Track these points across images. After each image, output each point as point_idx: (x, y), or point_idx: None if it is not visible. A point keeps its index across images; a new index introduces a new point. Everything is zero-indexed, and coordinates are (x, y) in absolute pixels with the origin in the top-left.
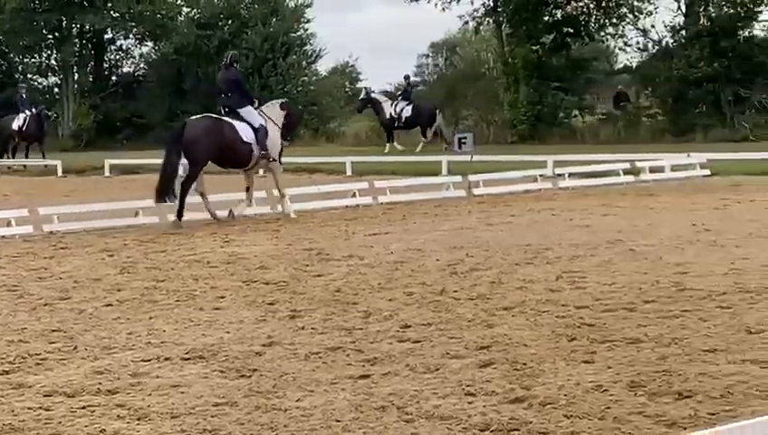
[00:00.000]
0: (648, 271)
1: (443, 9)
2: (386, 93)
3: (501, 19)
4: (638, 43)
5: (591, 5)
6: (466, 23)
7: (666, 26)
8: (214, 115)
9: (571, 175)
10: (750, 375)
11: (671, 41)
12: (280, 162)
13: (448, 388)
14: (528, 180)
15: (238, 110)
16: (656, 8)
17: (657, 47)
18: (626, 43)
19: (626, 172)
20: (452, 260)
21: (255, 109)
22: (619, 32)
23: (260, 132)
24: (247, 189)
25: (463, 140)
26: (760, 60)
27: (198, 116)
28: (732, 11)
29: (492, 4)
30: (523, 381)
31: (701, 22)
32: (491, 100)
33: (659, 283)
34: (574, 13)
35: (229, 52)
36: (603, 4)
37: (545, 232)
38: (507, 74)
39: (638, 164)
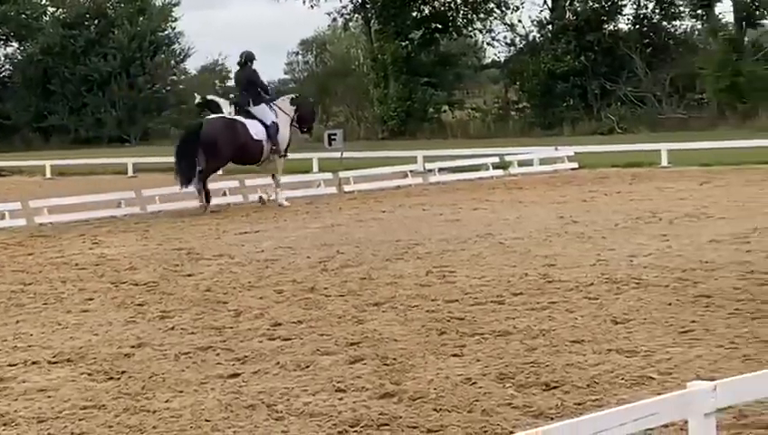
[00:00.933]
0: (516, 264)
1: (311, 6)
2: (223, 96)
3: (369, 15)
4: (505, 37)
5: (459, 1)
6: (335, 19)
7: (532, 21)
8: (227, 115)
9: (441, 170)
10: (615, 364)
11: (538, 35)
12: (286, 155)
13: (318, 385)
14: (399, 176)
15: (252, 108)
16: (522, 3)
17: (524, 42)
18: (494, 38)
19: (495, 166)
20: (322, 257)
21: (270, 103)
22: (487, 27)
23: (271, 129)
24: (273, 176)
25: (333, 137)
26: (624, 53)
27: (213, 116)
28: (596, 5)
29: (360, 1)
30: (393, 376)
31: (567, 16)
32: (361, 96)
33: (528, 275)
34: (442, 8)
35: (244, 51)
36: None
37: (416, 227)
38: (376, 71)
39: (507, 158)
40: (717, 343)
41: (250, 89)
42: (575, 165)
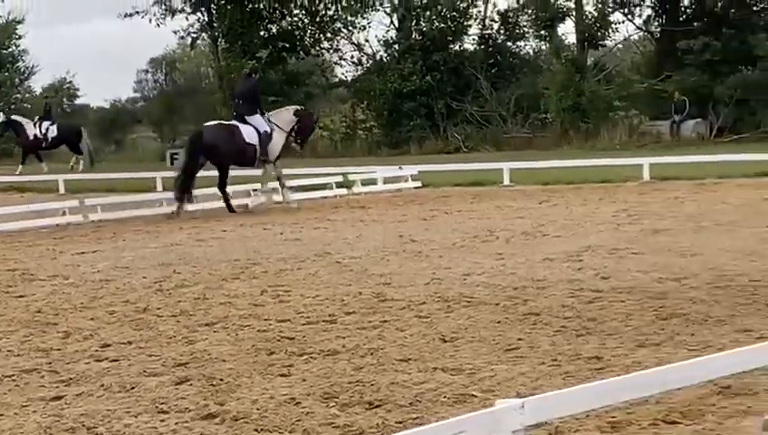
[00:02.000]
0: (352, 283)
1: (157, 25)
2: (25, 116)
3: (216, 34)
4: (352, 57)
5: (306, 20)
6: (182, 38)
7: (379, 41)
8: (224, 122)
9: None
10: (439, 382)
11: (385, 55)
12: (275, 164)
13: (141, 406)
14: (242, 195)
15: (247, 116)
16: (369, 23)
17: (371, 61)
18: (341, 58)
19: (339, 185)
20: (158, 277)
21: (267, 116)
22: (335, 46)
23: (263, 137)
24: (278, 180)
25: (175, 157)
26: (470, 73)
27: (212, 123)
28: (442, 25)
29: (207, 20)
30: (218, 396)
31: (413, 36)
32: (209, 115)
33: (362, 294)
34: (290, 28)
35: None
36: (318, 18)
37: (255, 247)
38: (224, 89)
39: (351, 177)
40: (541, 360)
41: (248, 99)
42: (419, 184)
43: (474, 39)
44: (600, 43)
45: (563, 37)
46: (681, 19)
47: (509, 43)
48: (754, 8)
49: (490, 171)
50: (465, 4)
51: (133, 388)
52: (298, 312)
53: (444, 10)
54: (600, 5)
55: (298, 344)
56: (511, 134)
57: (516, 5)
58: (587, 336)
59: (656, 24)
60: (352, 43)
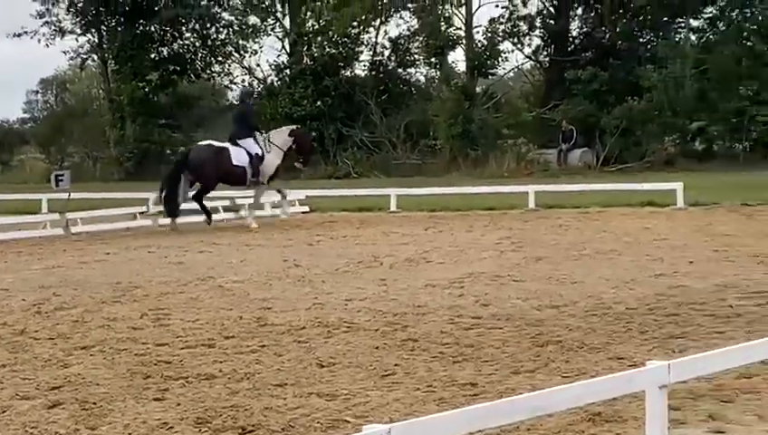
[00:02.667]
0: (233, 307)
1: (47, 45)
2: None
3: (106, 56)
4: (243, 81)
5: (197, 44)
6: (72, 58)
7: (270, 65)
8: (215, 143)
9: None
10: (313, 408)
11: (276, 79)
12: (267, 182)
13: (12, 430)
14: (128, 218)
15: (239, 139)
16: (261, 47)
17: (262, 85)
18: (232, 81)
19: (226, 209)
20: (38, 299)
21: (263, 135)
22: (226, 70)
23: (254, 159)
24: (279, 191)
25: (60, 178)
26: (361, 99)
27: (201, 143)
28: (334, 51)
29: (97, 41)
30: (90, 420)
31: (304, 61)
32: (98, 136)
33: (242, 318)
34: (181, 50)
35: (241, 88)
36: (209, 42)
37: (138, 270)
38: (113, 111)
39: (239, 201)
40: (416, 386)
41: (242, 122)
42: (306, 208)
43: (365, 65)
44: (490, 71)
45: (453, 65)
46: (569, 49)
47: (400, 70)
48: (641, 40)
49: (377, 197)
50: (356, 31)
51: (4, 411)
52: (177, 336)
53: (335, 36)
54: (489, 34)
55: (175, 368)
56: (400, 160)
57: (407, 33)
58: (463, 362)
59: (544, 53)
60: (243, 67)
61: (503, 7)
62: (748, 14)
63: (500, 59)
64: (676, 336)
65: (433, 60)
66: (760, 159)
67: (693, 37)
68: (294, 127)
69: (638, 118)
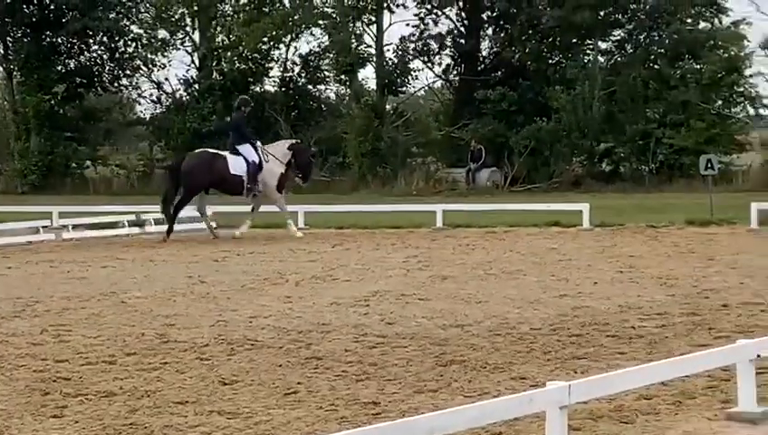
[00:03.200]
0: (135, 323)
1: None
2: None
3: (11, 67)
4: (151, 95)
5: (105, 57)
6: None
7: (179, 80)
8: (211, 150)
9: (75, 226)
10: (214, 426)
11: (185, 94)
12: (280, 192)
13: None
14: (30, 232)
15: (239, 146)
16: (170, 62)
17: (170, 99)
18: (140, 95)
19: (132, 224)
20: None
21: (258, 147)
22: (134, 83)
23: (251, 167)
24: (252, 210)
25: None
26: (270, 115)
27: (197, 150)
28: (243, 66)
29: (2, 52)
30: None
31: (214, 76)
32: (2, 149)
33: (144, 335)
34: (88, 63)
35: (238, 97)
36: (117, 55)
37: (39, 284)
38: (18, 123)
39: (144, 216)
40: (319, 404)
41: (236, 131)
42: (214, 225)
43: (275, 81)
44: (400, 89)
45: (364, 82)
46: (479, 69)
47: (310, 87)
48: (550, 61)
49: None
50: (266, 47)
51: None
52: (77, 352)
53: (245, 51)
54: (400, 53)
55: (74, 385)
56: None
57: (318, 50)
58: (366, 381)
59: (455, 72)
60: (152, 81)
61: (413, 26)
62: (656, 38)
63: (410, 77)
64: (579, 357)
65: (343, 77)
66: (665, 182)
67: (601, 59)
68: (294, 141)
69: (546, 138)
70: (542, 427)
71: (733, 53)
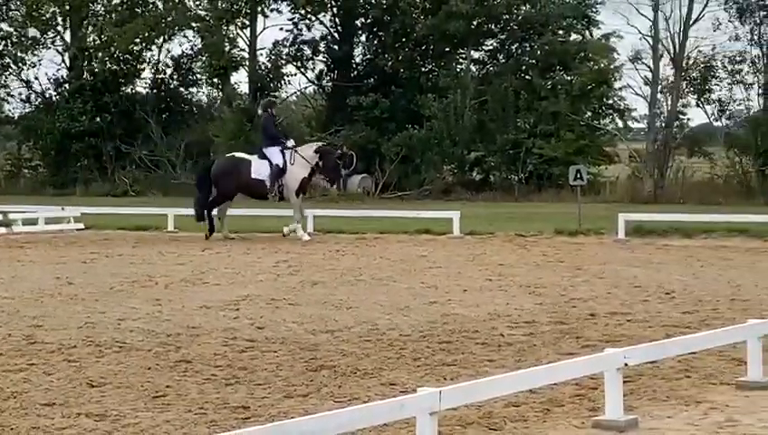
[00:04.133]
0: (2, 324)
1: None
2: None
3: None
4: (20, 93)
5: None
6: None
7: (49, 79)
8: (238, 155)
9: None
10: (82, 428)
11: (55, 93)
12: (298, 196)
13: None
14: None
15: (266, 149)
16: (40, 60)
17: (40, 99)
18: (9, 94)
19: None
20: None
21: (290, 148)
22: (2, 82)
23: (273, 170)
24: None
25: None
26: (141, 116)
27: (226, 155)
28: (115, 67)
29: None
30: None
31: (84, 76)
32: None
33: (11, 336)
34: None
35: (262, 99)
36: None
37: None
38: None
39: (11, 216)
40: (188, 408)
41: (264, 133)
42: (81, 226)
43: (146, 83)
44: (273, 94)
45: (236, 86)
46: (352, 75)
47: (182, 89)
48: (423, 69)
49: (155, 216)
50: (138, 48)
51: None
52: None
53: (117, 52)
54: (273, 57)
55: None
56: (180, 180)
57: (190, 52)
58: (236, 385)
59: (327, 78)
60: (21, 80)
61: (287, 30)
62: (527, 49)
63: (283, 82)
64: (449, 364)
65: (215, 80)
66: (535, 191)
67: (473, 68)
68: (321, 143)
69: (417, 146)
70: (411, 433)
71: (602, 65)
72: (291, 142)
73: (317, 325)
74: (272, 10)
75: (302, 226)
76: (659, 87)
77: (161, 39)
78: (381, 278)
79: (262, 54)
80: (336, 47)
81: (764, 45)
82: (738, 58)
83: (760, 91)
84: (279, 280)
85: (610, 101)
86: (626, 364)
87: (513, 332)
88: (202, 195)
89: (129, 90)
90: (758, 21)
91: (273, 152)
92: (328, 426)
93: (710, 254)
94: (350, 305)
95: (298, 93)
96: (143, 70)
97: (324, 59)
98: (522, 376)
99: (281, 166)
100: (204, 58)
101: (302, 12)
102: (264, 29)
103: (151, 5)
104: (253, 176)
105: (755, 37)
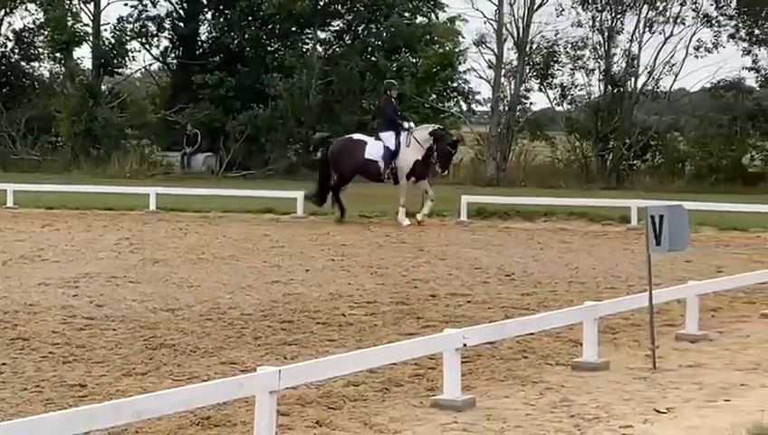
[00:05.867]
0: None
1: None
2: None
3: None
4: None
5: None
6: None
7: None
8: (356, 136)
9: None
10: None
11: None
12: (408, 179)
13: None
14: None
15: (380, 133)
16: None
17: None
18: None
19: None
20: None
21: (406, 130)
22: None
23: (385, 153)
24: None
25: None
26: None
27: (343, 137)
28: None
29: None
30: None
31: None
32: None
33: None
34: None
35: (385, 81)
36: None
37: None
38: None
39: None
40: (23, 386)
41: (381, 116)
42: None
43: None
44: (117, 70)
45: (79, 61)
46: (198, 53)
47: (23, 64)
48: (269, 48)
49: None
50: None
51: None
52: None
53: None
54: (117, 33)
55: None
56: (20, 156)
57: (32, 26)
58: (74, 363)
59: (173, 56)
60: None
61: (131, 6)
62: (374, 30)
63: (127, 58)
64: (289, 343)
65: (58, 55)
66: None
67: (320, 49)
68: (437, 127)
69: (262, 125)
70: (250, 411)
71: (448, 48)
72: (409, 124)
73: (157, 304)
74: None
75: (429, 207)
76: (503, 71)
77: (2, 12)
78: (224, 257)
79: (106, 30)
80: (181, 24)
81: (605, 32)
82: (580, 44)
83: (600, 77)
84: (120, 258)
85: (455, 85)
86: (464, 345)
87: (355, 312)
88: (323, 178)
89: None
90: (599, 8)
91: (388, 136)
92: (166, 404)
93: (550, 236)
94: (192, 284)
95: (142, 70)
96: None
97: (169, 36)
98: (361, 356)
99: (392, 149)
100: (46, 32)
101: None
102: (109, 4)
103: None
104: (366, 156)
105: (597, 24)
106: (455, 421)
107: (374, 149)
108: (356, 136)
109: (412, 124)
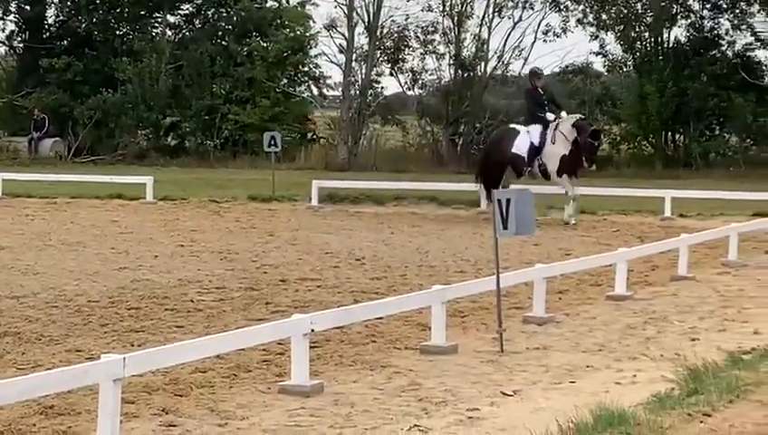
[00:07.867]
0: None
1: None
2: None
3: None
4: None
5: None
6: None
7: None
8: (514, 126)
9: None
10: None
11: None
12: (560, 175)
13: None
14: None
15: (529, 125)
16: None
17: None
18: None
19: None
20: None
21: (553, 124)
22: None
23: (531, 148)
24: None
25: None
26: None
27: (505, 127)
28: None
29: None
30: None
31: None
32: None
33: None
34: None
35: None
36: None
37: None
38: None
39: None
40: None
41: (526, 109)
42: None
43: None
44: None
45: None
46: (45, 37)
47: None
48: (118, 32)
49: None
50: None
51: None
52: None
53: None
54: None
55: None
56: None
57: None
58: None
59: (18, 39)
60: None
61: None
62: (224, 14)
63: None
64: (137, 330)
65: None
66: (230, 157)
67: (169, 33)
68: (579, 116)
69: (111, 110)
70: (96, 400)
71: (298, 32)
72: (550, 116)
73: (1, 291)
74: None
75: (574, 208)
76: (354, 55)
77: None
78: (71, 243)
79: None
80: (27, 7)
81: (455, 16)
82: (431, 28)
83: (451, 62)
84: None
85: (306, 69)
86: (312, 330)
87: (204, 297)
88: (486, 175)
89: None
90: None
91: (534, 130)
92: (8, 393)
93: (400, 220)
94: (38, 271)
95: None
96: None
97: (15, 19)
98: (209, 342)
99: (536, 144)
100: None
101: None
102: None
103: None
104: (513, 150)
105: (447, 8)
106: (302, 407)
107: (521, 143)
108: (514, 126)
109: (552, 115)
